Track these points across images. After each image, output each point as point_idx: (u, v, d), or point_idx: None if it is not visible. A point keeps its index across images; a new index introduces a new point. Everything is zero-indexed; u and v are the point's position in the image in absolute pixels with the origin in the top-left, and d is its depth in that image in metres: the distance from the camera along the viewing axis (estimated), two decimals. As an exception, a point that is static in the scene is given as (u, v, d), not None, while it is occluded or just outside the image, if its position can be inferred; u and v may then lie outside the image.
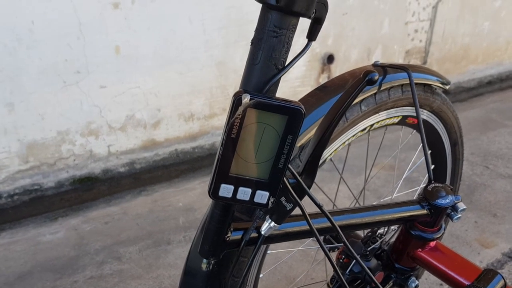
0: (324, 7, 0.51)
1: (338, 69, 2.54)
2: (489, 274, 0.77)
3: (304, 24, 0.52)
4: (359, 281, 0.88)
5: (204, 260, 0.62)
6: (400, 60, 2.85)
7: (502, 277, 0.76)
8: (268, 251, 0.82)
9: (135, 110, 1.97)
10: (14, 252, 1.56)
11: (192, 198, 1.90)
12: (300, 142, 0.71)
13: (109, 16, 1.76)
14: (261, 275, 0.83)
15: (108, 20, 1.76)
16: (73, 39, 1.72)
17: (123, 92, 1.91)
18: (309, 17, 0.49)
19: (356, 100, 0.78)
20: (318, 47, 2.42)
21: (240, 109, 0.46)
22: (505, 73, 3.53)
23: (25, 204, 1.81)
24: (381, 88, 0.80)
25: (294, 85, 2.41)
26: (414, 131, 1.00)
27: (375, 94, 0.81)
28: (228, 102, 2.21)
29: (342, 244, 0.95)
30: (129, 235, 1.65)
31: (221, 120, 2.23)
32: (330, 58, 2.48)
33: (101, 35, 1.77)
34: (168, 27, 1.91)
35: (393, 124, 0.91)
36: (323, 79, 2.51)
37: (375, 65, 0.82)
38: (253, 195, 0.51)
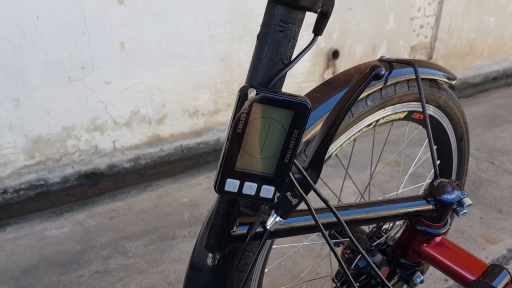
0: (331, 1, 0.50)
1: (343, 65, 2.53)
2: (495, 269, 0.77)
3: (309, 19, 0.52)
4: (364, 276, 0.88)
5: (210, 255, 0.62)
6: (405, 56, 2.84)
7: (509, 272, 0.76)
8: (273, 246, 0.82)
9: (140, 105, 1.97)
10: (20, 246, 1.57)
11: (197, 193, 1.90)
12: (305, 137, 0.71)
13: (114, 11, 1.76)
14: (266, 270, 0.83)
15: (113, 15, 1.76)
16: (78, 35, 1.72)
17: (128, 87, 1.91)
18: (315, 12, 0.49)
19: (362, 95, 0.78)
20: (323, 42, 2.41)
21: (246, 103, 0.46)
22: (511, 69, 3.50)
23: (31, 199, 1.82)
24: (387, 83, 0.80)
25: (298, 80, 2.40)
26: (420, 126, 1.00)
27: (381, 89, 0.80)
28: (233, 97, 2.21)
29: (347, 239, 0.95)
30: (134, 230, 1.66)
31: (225, 116, 2.23)
32: (335, 54, 2.48)
33: (106, 30, 1.77)
34: (173, 22, 1.90)
35: (399, 119, 0.90)
36: (328, 75, 2.50)
37: (381, 60, 0.82)
38: (258, 189, 0.51)
